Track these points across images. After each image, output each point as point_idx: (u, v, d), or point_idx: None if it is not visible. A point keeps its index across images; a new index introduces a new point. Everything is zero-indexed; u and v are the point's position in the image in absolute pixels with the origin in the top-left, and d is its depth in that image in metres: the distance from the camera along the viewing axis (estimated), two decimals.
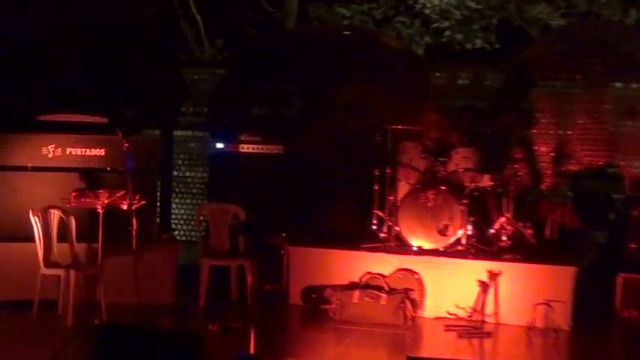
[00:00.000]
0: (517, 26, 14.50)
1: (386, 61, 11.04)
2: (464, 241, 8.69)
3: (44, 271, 7.73)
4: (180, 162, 12.47)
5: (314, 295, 8.73)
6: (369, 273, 8.50)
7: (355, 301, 8.25)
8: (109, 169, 8.75)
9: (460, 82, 11.64)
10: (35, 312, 7.73)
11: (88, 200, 7.64)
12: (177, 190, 12.43)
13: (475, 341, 7.81)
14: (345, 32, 12.70)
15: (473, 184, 8.88)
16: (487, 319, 8.19)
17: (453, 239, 8.70)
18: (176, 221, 12.41)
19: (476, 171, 8.90)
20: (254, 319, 6.52)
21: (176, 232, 12.00)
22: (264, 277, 9.13)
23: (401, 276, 8.46)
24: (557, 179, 10.57)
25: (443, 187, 8.81)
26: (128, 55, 10.78)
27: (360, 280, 8.48)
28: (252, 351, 5.94)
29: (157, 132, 11.97)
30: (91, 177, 8.58)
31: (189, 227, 12.34)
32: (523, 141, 10.05)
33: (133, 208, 7.62)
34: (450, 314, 8.30)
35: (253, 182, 10.20)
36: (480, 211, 9.06)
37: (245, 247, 8.84)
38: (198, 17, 15.21)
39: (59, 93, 10.13)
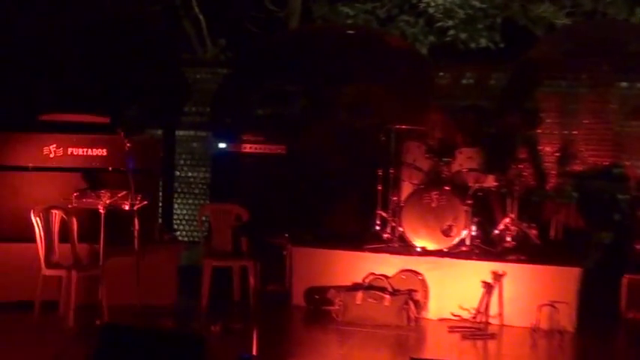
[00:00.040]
0: (522, 25, 14.50)
1: (389, 60, 11.03)
2: (468, 242, 8.69)
3: (45, 271, 7.73)
4: (182, 162, 12.48)
5: (317, 296, 8.73)
6: (373, 274, 8.49)
7: (358, 302, 8.25)
8: (110, 169, 8.75)
9: (464, 81, 11.63)
10: (36, 313, 7.73)
11: (90, 200, 7.65)
12: (179, 190, 12.44)
13: (479, 343, 7.81)
14: (349, 31, 12.71)
15: (477, 185, 8.88)
16: (491, 321, 8.18)
17: (456, 240, 8.69)
18: (178, 222, 12.42)
19: (480, 171, 8.90)
20: (256, 320, 6.53)
21: (178, 233, 12.00)
22: (267, 278, 9.13)
23: (404, 277, 8.46)
24: (562, 179, 10.56)
25: (447, 188, 8.80)
26: (130, 55, 10.79)
27: (364, 281, 8.48)
28: (254, 352, 5.95)
29: (159, 132, 11.98)
30: (92, 177, 8.58)
31: (192, 228, 12.35)
32: (528, 141, 10.05)
33: (135, 208, 7.62)
34: (454, 315, 8.30)
35: (256, 182, 10.21)
36: (484, 211, 9.06)
37: (247, 247, 8.85)
38: (201, 16, 15.23)
39: (60, 92, 10.15)
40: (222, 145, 10.57)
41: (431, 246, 8.72)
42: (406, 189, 9.14)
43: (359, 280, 8.51)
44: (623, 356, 8.07)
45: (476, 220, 8.77)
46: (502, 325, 8.21)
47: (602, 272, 9.22)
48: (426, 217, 8.76)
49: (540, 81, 10.98)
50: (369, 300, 8.23)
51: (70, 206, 7.81)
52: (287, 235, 9.32)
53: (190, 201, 12.47)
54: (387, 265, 8.57)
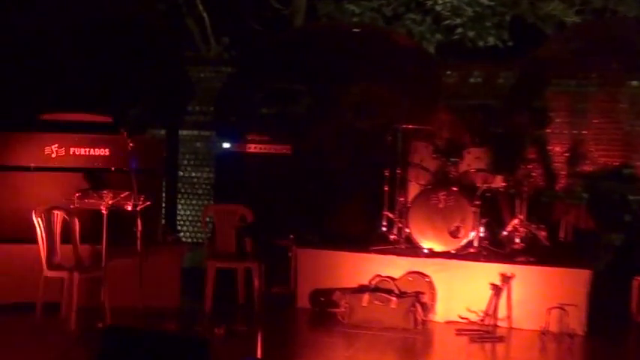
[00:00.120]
0: (531, 23, 14.50)
1: (396, 59, 11.02)
2: (476, 244, 8.68)
3: (47, 273, 7.74)
4: (185, 162, 12.49)
5: (322, 299, 8.73)
6: (379, 276, 8.49)
7: (364, 304, 8.24)
8: (113, 169, 8.75)
9: (472, 80, 11.62)
10: (38, 315, 7.74)
11: (92, 201, 7.65)
12: (182, 190, 12.45)
13: (487, 346, 7.81)
14: (355, 29, 12.70)
15: (485, 185, 8.87)
16: (500, 324, 8.18)
17: (464, 241, 8.69)
18: (182, 222, 12.43)
19: (488, 171, 8.89)
20: (261, 323, 6.54)
21: (181, 234, 12.02)
22: (272, 280, 9.13)
23: (411, 279, 8.46)
24: (571, 180, 10.55)
25: (454, 188, 8.80)
26: (133, 53, 10.79)
27: (370, 283, 8.48)
28: (259, 355, 5.95)
29: (163, 131, 12.00)
30: (94, 177, 8.58)
31: (195, 229, 12.36)
32: (537, 141, 10.05)
33: (138, 209, 7.62)
34: (462, 318, 8.29)
35: (260, 183, 10.21)
36: (493, 212, 9.06)
37: (252, 249, 8.85)
38: (205, 14, 15.24)
39: (62, 91, 10.16)
40: (226, 145, 10.58)
41: (438, 247, 8.72)
42: (413, 189, 9.14)
43: (365, 282, 8.51)
44: (633, 359, 8.05)
45: (484, 221, 8.76)
46: (510, 328, 8.20)
47: (613, 274, 9.22)
48: (434, 218, 8.75)
49: (549, 80, 10.97)
50: (376, 302, 8.23)
51: (72, 207, 7.81)
52: (292, 236, 9.32)
53: (194, 202, 12.48)
54: (394, 266, 8.56)
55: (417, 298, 8.26)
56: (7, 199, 8.59)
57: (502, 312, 8.20)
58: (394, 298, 8.21)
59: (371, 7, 14.83)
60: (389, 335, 7.90)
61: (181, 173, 12.43)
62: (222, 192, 10.91)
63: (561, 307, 7.94)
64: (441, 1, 14.33)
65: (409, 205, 8.93)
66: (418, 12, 14.85)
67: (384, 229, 9.13)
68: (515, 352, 7.96)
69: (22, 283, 8.07)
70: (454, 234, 8.68)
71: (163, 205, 10.47)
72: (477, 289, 8.27)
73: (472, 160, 8.90)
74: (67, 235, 7.90)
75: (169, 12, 14.45)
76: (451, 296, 8.42)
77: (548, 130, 10.70)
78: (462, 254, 8.62)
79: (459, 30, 14.54)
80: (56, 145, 8.68)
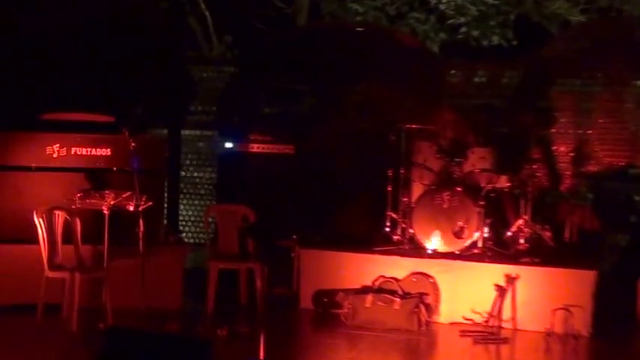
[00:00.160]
0: (535, 22, 14.48)
1: (400, 58, 11.02)
2: (480, 244, 8.68)
3: (48, 273, 7.75)
4: (188, 162, 12.49)
5: (325, 300, 8.74)
6: (382, 277, 8.49)
7: (368, 305, 8.24)
8: (115, 169, 8.76)
9: (476, 80, 11.62)
10: (39, 316, 7.75)
11: (94, 201, 7.66)
12: (185, 190, 12.45)
13: (492, 347, 7.81)
14: (358, 29, 12.70)
15: (489, 185, 8.87)
16: (504, 325, 8.17)
17: (468, 242, 8.69)
18: (184, 223, 12.43)
19: (492, 172, 8.89)
20: (263, 324, 6.53)
21: (184, 234, 12.02)
22: (274, 281, 9.12)
23: (415, 280, 8.46)
24: (576, 180, 10.54)
25: (458, 188, 8.80)
26: (135, 52, 10.80)
27: (373, 283, 8.48)
28: (261, 357, 5.95)
29: (165, 131, 12.00)
30: (96, 177, 8.59)
31: (197, 229, 12.36)
32: (541, 141, 10.03)
33: (140, 209, 7.63)
34: (466, 319, 8.29)
35: (263, 183, 10.21)
36: (497, 212, 9.05)
37: (254, 249, 8.85)
38: (207, 13, 15.24)
39: (64, 91, 10.16)
40: (228, 145, 10.58)
41: (442, 248, 8.72)
42: (417, 190, 9.14)
43: (368, 282, 8.52)
44: None
45: (488, 221, 8.76)
46: (515, 330, 8.20)
47: (618, 275, 9.21)
48: (438, 218, 8.76)
49: (554, 79, 10.96)
50: (379, 303, 8.23)
51: (73, 207, 7.81)
52: (295, 236, 9.31)
53: (196, 202, 12.48)
54: (398, 267, 8.56)
55: (420, 299, 8.26)
56: (8, 200, 8.60)
57: (506, 313, 8.20)
58: (398, 299, 8.21)
59: (374, 5, 14.82)
60: (392, 336, 7.90)
61: (183, 173, 12.43)
62: (224, 192, 10.91)
63: (566, 309, 7.93)
64: (445, 0, 14.32)
65: (413, 205, 8.93)
66: (422, 11, 14.84)
67: (387, 229, 9.13)
68: (519, 354, 7.96)
69: (23, 283, 8.08)
70: (458, 234, 8.68)
71: (165, 205, 10.48)
72: (482, 290, 8.26)
73: (476, 160, 8.90)
74: (68, 236, 7.91)
75: (171, 11, 14.45)
76: (455, 297, 8.41)
77: (553, 130, 10.69)
78: (467, 255, 8.62)
79: (463, 29, 14.52)
80: (58, 145, 8.69)
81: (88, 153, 8.76)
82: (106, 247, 7.58)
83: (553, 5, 14.18)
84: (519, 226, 8.81)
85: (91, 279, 7.91)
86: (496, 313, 8.17)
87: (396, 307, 8.18)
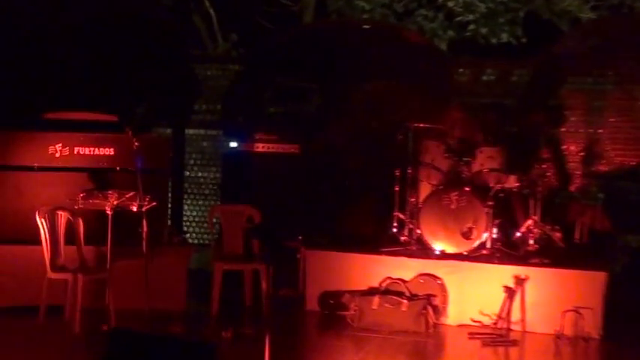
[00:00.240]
0: (545, 19, 14.49)
1: (407, 56, 11.03)
2: (489, 245, 8.68)
3: (51, 275, 7.76)
4: (192, 162, 12.51)
5: (331, 301, 8.74)
6: (390, 278, 8.49)
7: (374, 307, 8.25)
8: (118, 169, 8.77)
9: (485, 78, 11.62)
10: (41, 317, 7.76)
11: (97, 201, 7.68)
12: (189, 191, 12.47)
13: (500, 350, 7.80)
14: (365, 26, 12.71)
15: (498, 185, 8.86)
16: (513, 327, 8.17)
17: (477, 243, 8.69)
18: (188, 223, 12.45)
19: (501, 171, 8.88)
20: (269, 326, 6.55)
21: (188, 235, 12.04)
22: (280, 282, 9.13)
23: (422, 281, 8.46)
24: (587, 180, 10.53)
25: (467, 188, 8.80)
26: (138, 51, 10.82)
27: (380, 285, 8.48)
28: (266, 359, 5.96)
29: (169, 130, 12.01)
30: (99, 177, 8.60)
31: (202, 230, 12.39)
32: (551, 140, 10.02)
33: (144, 209, 7.65)
34: (474, 321, 8.29)
35: (268, 183, 10.22)
36: (506, 213, 9.04)
37: (260, 250, 8.86)
38: (212, 11, 15.27)
39: (66, 90, 10.18)
40: (233, 144, 10.59)
41: (450, 249, 8.71)
42: (424, 190, 9.14)
43: (375, 284, 8.51)
44: None
45: (497, 222, 8.75)
46: (524, 332, 8.19)
47: (629, 276, 9.20)
48: (445, 219, 8.75)
49: (565, 77, 10.96)
50: (386, 305, 8.23)
51: (76, 207, 7.83)
52: (301, 237, 9.32)
53: (200, 202, 12.50)
54: (405, 268, 8.56)
55: (428, 300, 8.25)
56: (10, 200, 8.62)
57: (515, 315, 8.19)
58: (405, 301, 8.21)
59: (382, 3, 14.84)
60: (399, 339, 7.91)
61: (188, 173, 12.45)
62: (229, 192, 10.93)
63: (576, 310, 7.92)
64: None
65: (420, 205, 8.93)
66: (430, 8, 14.87)
67: (394, 230, 9.13)
68: (529, 357, 7.96)
69: (25, 285, 8.10)
70: (466, 235, 8.67)
71: (169, 205, 10.49)
72: (490, 292, 8.26)
73: (485, 160, 8.89)
74: (71, 236, 7.93)
75: (176, 8, 14.49)
76: (463, 299, 8.41)
77: (563, 129, 10.69)
78: (475, 256, 8.61)
79: (472, 26, 14.54)
80: (60, 145, 8.70)
81: (91, 152, 8.77)
82: (109, 247, 7.60)
83: (563, 2, 14.18)
84: (529, 226, 8.81)
85: (94, 280, 7.93)
86: (505, 315, 8.17)
87: (403, 308, 8.18)
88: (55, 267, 7.80)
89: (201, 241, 12.12)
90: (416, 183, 9.20)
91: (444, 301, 8.42)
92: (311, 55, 11.01)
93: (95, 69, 10.47)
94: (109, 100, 10.08)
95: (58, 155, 8.70)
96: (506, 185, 8.94)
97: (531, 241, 8.73)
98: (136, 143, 7.76)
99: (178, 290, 8.66)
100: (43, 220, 7.75)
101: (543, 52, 11.60)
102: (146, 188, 7.67)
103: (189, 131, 12.37)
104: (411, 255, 8.70)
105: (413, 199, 9.10)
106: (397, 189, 9.17)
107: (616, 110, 10.78)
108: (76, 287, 7.68)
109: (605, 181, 10.53)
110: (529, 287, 8.21)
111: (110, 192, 7.64)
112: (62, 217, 7.93)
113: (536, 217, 8.81)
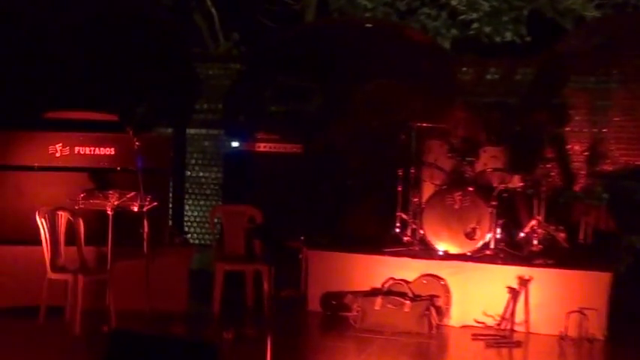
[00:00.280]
0: (549, 18, 14.48)
1: (410, 55, 11.03)
2: (492, 245, 8.67)
3: (51, 275, 7.76)
4: (193, 161, 12.51)
5: (334, 302, 8.74)
6: (392, 279, 8.49)
7: (377, 308, 8.24)
8: (119, 168, 8.76)
9: (489, 77, 11.62)
10: (42, 318, 7.77)
11: (97, 201, 7.69)
12: (190, 191, 12.47)
13: (504, 351, 7.80)
14: (367, 25, 12.71)
15: (502, 185, 8.86)
16: (517, 328, 8.16)
17: (480, 243, 8.68)
18: (189, 224, 12.45)
19: (505, 171, 8.87)
20: (270, 327, 6.53)
21: (189, 235, 12.04)
22: (282, 283, 9.12)
23: (425, 282, 8.45)
24: (591, 180, 10.52)
25: (470, 188, 8.79)
26: (139, 50, 10.82)
27: (383, 286, 8.48)
28: None
29: (170, 130, 12.01)
30: (100, 177, 8.60)
31: (203, 230, 12.38)
32: (555, 139, 10.02)
33: (144, 209, 7.65)
34: (478, 322, 8.29)
35: (270, 183, 10.22)
36: (510, 213, 9.05)
37: (261, 251, 8.86)
38: (213, 9, 15.27)
39: (67, 89, 10.19)
40: (235, 144, 10.59)
41: (453, 249, 8.71)
42: (427, 190, 9.14)
43: (378, 285, 8.51)
44: None
45: (501, 222, 8.75)
46: (528, 333, 8.19)
47: (634, 277, 9.18)
48: (449, 219, 8.75)
49: (569, 76, 10.95)
50: (389, 306, 8.23)
51: (76, 207, 7.84)
52: (303, 237, 9.33)
53: (202, 202, 12.50)
54: (408, 269, 8.56)
55: (431, 301, 8.25)
56: (10, 200, 8.62)
57: (519, 316, 8.19)
58: (408, 302, 8.21)
59: (384, 1, 14.85)
60: (402, 340, 7.90)
61: (189, 173, 12.44)
62: (230, 192, 10.93)
63: (581, 311, 7.92)
64: None
65: (423, 205, 8.93)
66: (433, 7, 14.86)
67: (397, 230, 9.13)
68: (532, 358, 7.95)
69: (25, 285, 8.10)
70: (470, 235, 8.67)
71: (170, 205, 10.48)
72: (494, 293, 8.26)
73: (488, 160, 8.89)
74: (71, 237, 7.93)
75: (176, 7, 14.49)
76: (467, 300, 8.41)
77: (567, 129, 10.68)
78: (478, 256, 8.61)
79: (475, 25, 14.53)
80: (60, 145, 8.70)
81: (92, 152, 8.77)
82: (109, 248, 7.60)
83: (567, 0, 14.17)
84: (532, 226, 8.80)
85: (95, 281, 7.93)
86: (509, 316, 8.16)
87: (406, 309, 8.18)
88: (56, 267, 7.81)
89: (203, 242, 12.12)
90: (419, 183, 9.21)
91: (447, 302, 8.42)
92: (313, 54, 11.01)
93: (96, 69, 10.48)
94: (110, 99, 10.08)
95: (58, 155, 8.69)
96: (510, 185, 8.93)
97: (535, 242, 8.72)
98: (137, 143, 7.76)
99: (179, 291, 8.66)
100: (43, 220, 7.76)
101: (547, 50, 11.59)
102: (147, 188, 7.68)
103: (191, 131, 12.36)
104: (413, 255, 8.70)
105: (416, 199, 9.10)
106: (400, 189, 9.17)
107: (620, 109, 10.77)
108: (77, 288, 7.68)
109: (610, 181, 10.51)
110: (533, 288, 8.21)
111: (111, 192, 7.64)
112: (62, 217, 7.93)
113: (540, 217, 8.81)
